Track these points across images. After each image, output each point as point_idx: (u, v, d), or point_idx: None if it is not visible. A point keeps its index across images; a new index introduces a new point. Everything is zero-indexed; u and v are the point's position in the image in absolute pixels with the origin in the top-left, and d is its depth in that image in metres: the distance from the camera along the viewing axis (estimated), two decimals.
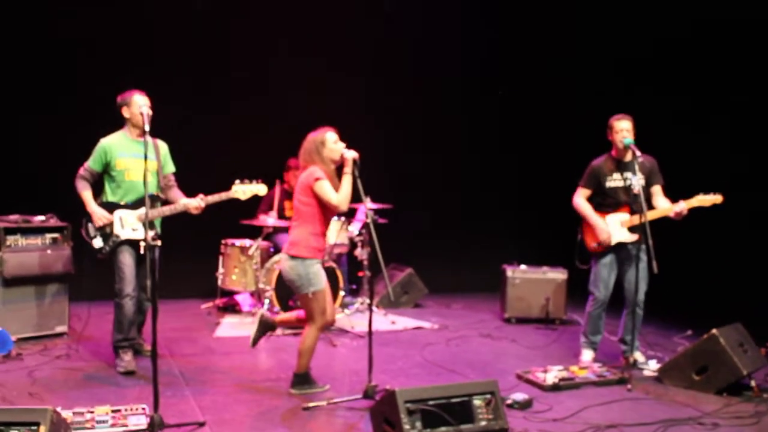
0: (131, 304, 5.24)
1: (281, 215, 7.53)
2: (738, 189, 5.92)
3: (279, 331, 6.60)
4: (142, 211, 5.21)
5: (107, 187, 5.32)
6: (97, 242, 5.27)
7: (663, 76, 7.99)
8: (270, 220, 7.25)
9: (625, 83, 8.16)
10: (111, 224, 5.23)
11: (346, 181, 4.63)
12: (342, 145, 4.73)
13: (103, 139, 5.30)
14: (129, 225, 5.24)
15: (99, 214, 5.21)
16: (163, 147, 5.48)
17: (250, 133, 7.90)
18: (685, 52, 7.69)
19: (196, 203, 5.22)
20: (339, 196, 4.61)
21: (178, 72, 7.70)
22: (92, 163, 5.29)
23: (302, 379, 4.86)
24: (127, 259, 5.23)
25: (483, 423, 3.81)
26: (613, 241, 5.49)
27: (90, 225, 5.29)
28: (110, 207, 5.27)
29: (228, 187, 5.26)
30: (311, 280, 4.67)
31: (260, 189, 5.31)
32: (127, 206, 5.27)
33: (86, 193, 5.28)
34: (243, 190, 5.24)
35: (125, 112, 5.25)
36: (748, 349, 5.07)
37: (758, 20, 6.90)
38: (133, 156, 5.26)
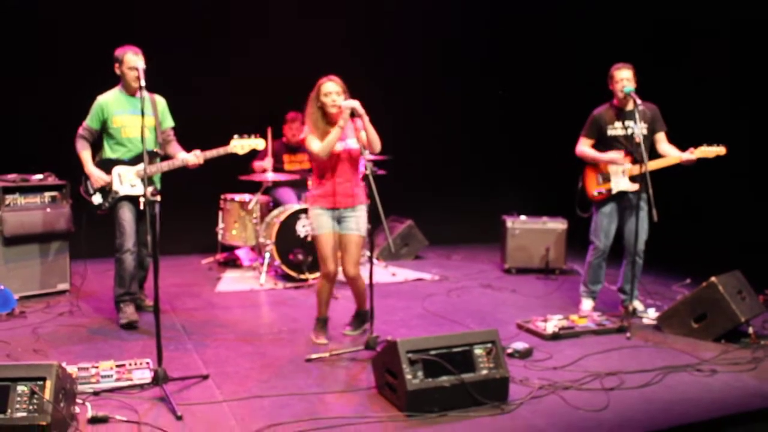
0: (131, 258, 5.27)
1: (280, 168, 7.50)
2: (738, 137, 5.89)
3: (280, 284, 6.66)
4: (140, 167, 5.19)
5: (106, 144, 5.31)
6: (97, 198, 5.28)
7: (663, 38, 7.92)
8: (266, 163, 7.20)
9: (624, 35, 8.07)
10: (110, 182, 5.24)
11: (335, 130, 4.61)
12: (335, 98, 4.64)
13: (100, 96, 5.26)
14: (128, 181, 5.24)
15: (96, 176, 5.23)
16: (161, 102, 5.41)
17: (249, 87, 7.82)
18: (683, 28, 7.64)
19: (193, 159, 5.18)
20: (321, 144, 4.64)
21: (179, 26, 7.57)
22: (90, 122, 5.27)
23: (315, 323, 5.00)
24: (126, 215, 5.24)
25: (484, 372, 3.85)
26: (615, 190, 5.47)
27: (89, 182, 5.29)
28: (109, 164, 5.27)
29: (226, 142, 5.23)
30: (313, 225, 4.84)
31: (258, 143, 5.27)
32: (125, 162, 5.26)
33: (85, 153, 5.28)
34: (241, 145, 5.21)
35: (117, 69, 5.20)
36: (747, 297, 5.10)
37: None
38: (129, 112, 5.23)
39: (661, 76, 7.31)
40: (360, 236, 4.83)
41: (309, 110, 4.77)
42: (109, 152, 5.30)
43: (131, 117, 5.23)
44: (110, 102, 5.23)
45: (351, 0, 8.25)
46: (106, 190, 5.26)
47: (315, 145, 4.67)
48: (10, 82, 7.07)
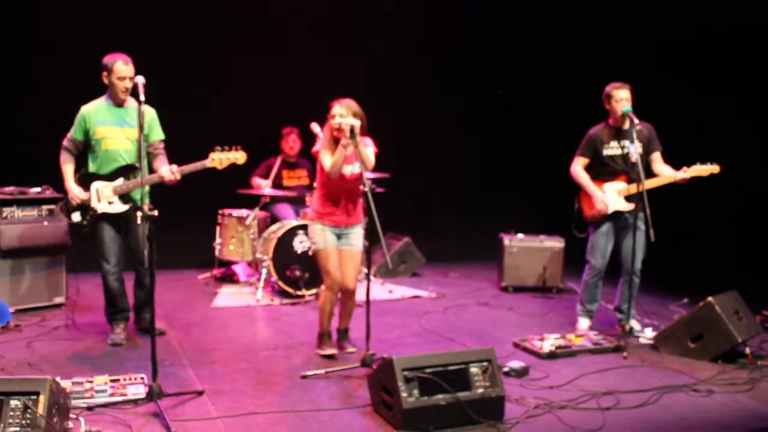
0: (114, 279, 5.16)
1: (278, 185, 7.51)
2: (734, 156, 5.91)
3: (277, 300, 6.65)
4: (117, 182, 5.03)
5: (89, 157, 5.11)
6: (75, 216, 5.09)
7: (661, 50, 7.96)
8: (263, 182, 7.24)
9: (622, 53, 8.11)
10: (89, 198, 5.06)
11: (339, 150, 4.69)
12: (337, 120, 4.72)
13: (84, 106, 5.07)
14: (105, 198, 5.04)
15: (73, 193, 5.04)
16: (149, 113, 5.11)
17: (249, 103, 7.86)
18: (684, 35, 7.67)
19: (169, 175, 4.88)
20: (330, 162, 4.75)
21: (178, 39, 7.60)
22: (74, 132, 5.09)
23: (318, 337, 5.05)
24: (105, 234, 5.07)
25: (480, 390, 3.84)
26: (611, 210, 5.48)
27: (68, 199, 5.12)
28: (89, 178, 5.09)
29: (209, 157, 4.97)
30: (313, 239, 4.94)
31: (238, 157, 4.94)
32: (102, 177, 5.06)
33: (67, 167, 5.11)
34: (220, 159, 4.89)
35: (105, 78, 4.97)
36: (744, 317, 5.10)
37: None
38: (112, 124, 5.02)
39: (659, 89, 7.35)
40: (359, 251, 4.98)
41: (324, 128, 4.92)
42: (90, 165, 5.11)
43: (113, 128, 5.02)
44: (92, 112, 5.03)
45: (351, 15, 8.31)
46: (84, 208, 5.07)
47: (327, 162, 4.79)
48: (9, 94, 7.09)
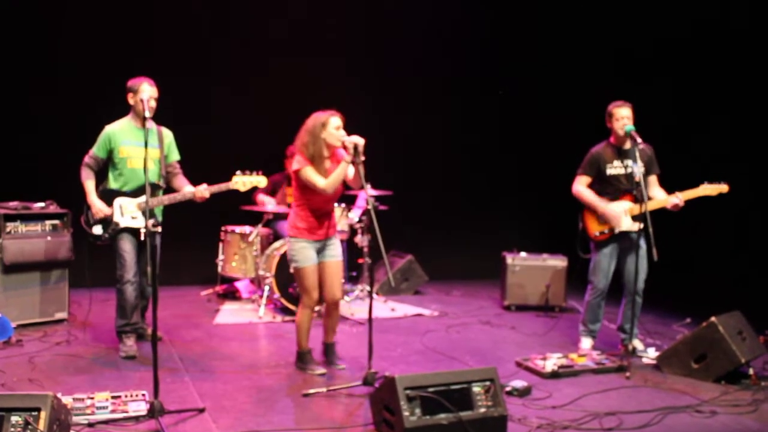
0: (132, 289, 5.26)
1: (282, 201, 7.52)
2: (738, 177, 5.91)
3: (279, 317, 6.64)
4: (141, 199, 5.19)
5: (110, 174, 5.31)
6: (97, 229, 5.28)
7: (662, 66, 7.99)
8: (268, 199, 7.25)
9: (624, 72, 8.15)
10: (111, 213, 5.24)
11: (342, 166, 4.65)
12: (343, 133, 4.72)
13: (108, 126, 5.28)
14: (128, 213, 5.24)
15: (97, 207, 5.22)
16: (168, 135, 5.41)
17: (252, 121, 7.89)
18: (685, 49, 7.69)
19: (200, 193, 5.18)
20: (327, 180, 4.69)
21: (181, 59, 7.66)
22: (97, 150, 5.28)
23: (298, 357, 5.07)
24: (127, 246, 5.24)
25: (482, 410, 3.82)
26: (618, 230, 5.46)
27: (90, 212, 5.29)
28: (111, 194, 5.27)
29: (229, 177, 5.23)
30: (294, 257, 4.88)
31: (260, 181, 5.28)
32: (126, 194, 5.26)
33: (89, 183, 5.28)
34: (243, 182, 5.21)
35: (131, 99, 5.19)
36: (747, 337, 5.08)
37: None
38: (136, 144, 5.23)
39: (661, 110, 7.37)
40: (341, 261, 5.04)
41: (309, 142, 4.77)
42: (112, 182, 5.30)
43: (138, 148, 5.22)
44: (117, 132, 5.24)
45: (351, 38, 8.36)
46: (106, 222, 5.26)
47: (319, 180, 4.71)
48: (12, 109, 7.13)
